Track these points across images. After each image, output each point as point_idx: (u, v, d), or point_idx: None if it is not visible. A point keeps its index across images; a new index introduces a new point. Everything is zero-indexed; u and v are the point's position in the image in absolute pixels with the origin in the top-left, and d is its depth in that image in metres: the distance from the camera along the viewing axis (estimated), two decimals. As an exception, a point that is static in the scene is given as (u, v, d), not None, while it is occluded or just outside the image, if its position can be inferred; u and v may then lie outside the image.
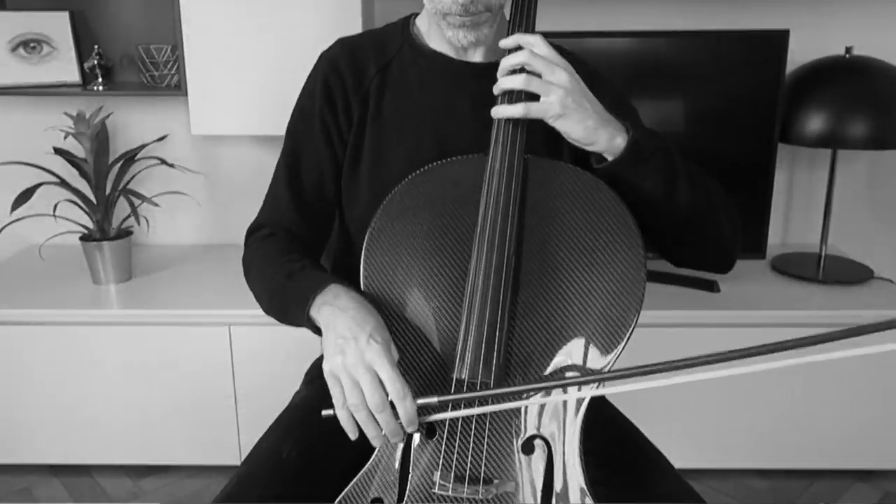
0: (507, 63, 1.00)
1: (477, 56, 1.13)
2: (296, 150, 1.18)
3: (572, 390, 0.89)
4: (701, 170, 1.09)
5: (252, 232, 1.19)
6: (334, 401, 0.89)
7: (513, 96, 1.01)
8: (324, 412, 0.90)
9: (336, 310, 0.93)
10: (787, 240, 2.39)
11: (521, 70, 1.00)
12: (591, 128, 0.98)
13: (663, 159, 1.02)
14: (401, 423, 0.87)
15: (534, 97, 0.99)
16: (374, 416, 0.87)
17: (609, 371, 0.90)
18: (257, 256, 1.13)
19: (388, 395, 0.86)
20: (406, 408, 0.86)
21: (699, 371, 0.80)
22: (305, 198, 1.16)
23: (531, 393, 0.88)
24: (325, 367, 0.89)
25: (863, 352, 0.68)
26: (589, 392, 0.90)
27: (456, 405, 0.90)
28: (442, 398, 0.87)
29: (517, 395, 0.88)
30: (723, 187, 1.12)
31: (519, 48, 1.01)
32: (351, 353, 0.87)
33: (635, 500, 1.00)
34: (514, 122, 1.01)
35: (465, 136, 1.10)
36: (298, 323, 1.00)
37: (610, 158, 1.00)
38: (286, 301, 1.02)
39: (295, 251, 1.10)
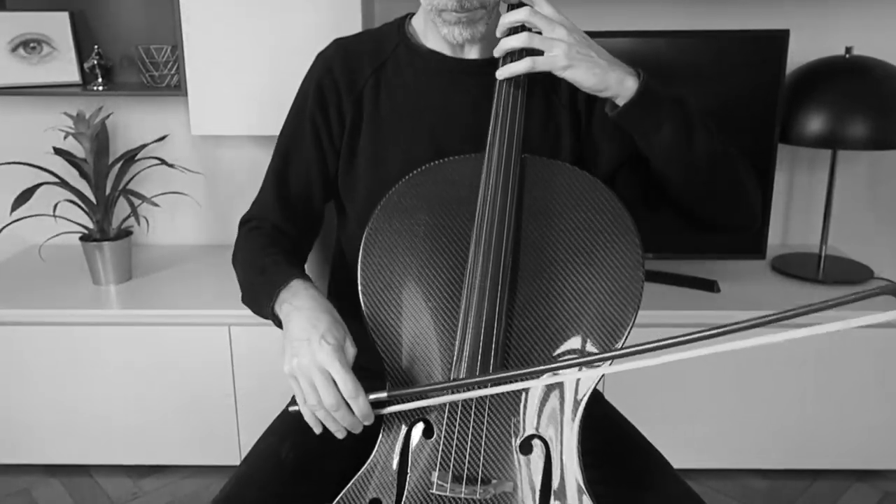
0: (506, 20, 1.01)
1: (473, 53, 1.13)
2: (285, 152, 1.18)
3: (543, 378, 0.89)
4: (715, 125, 1.08)
5: (243, 223, 1.21)
6: (297, 399, 0.93)
7: (515, 55, 1.02)
8: (290, 408, 0.95)
9: (293, 309, 0.96)
10: (787, 240, 2.39)
11: (522, 29, 1.01)
12: (600, 73, 0.99)
13: (678, 106, 1.02)
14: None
15: (537, 54, 1.00)
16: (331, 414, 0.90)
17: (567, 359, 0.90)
18: (241, 248, 1.16)
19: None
20: (359, 406, 0.89)
21: (691, 349, 0.80)
22: (291, 200, 1.17)
23: (493, 383, 0.88)
24: (284, 368, 0.92)
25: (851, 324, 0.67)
26: (546, 380, 0.90)
27: (410, 398, 0.91)
28: (391, 392, 0.91)
29: (481, 385, 0.89)
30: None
31: (521, 5, 1.02)
32: (304, 355, 0.90)
33: (634, 500, 1.00)
34: (513, 114, 1.01)
35: (462, 134, 1.10)
36: (267, 317, 1.02)
37: (622, 104, 1.00)
38: (257, 295, 1.05)
39: (277, 245, 1.12)
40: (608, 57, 1.01)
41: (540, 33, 1.00)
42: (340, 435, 0.93)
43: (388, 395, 0.91)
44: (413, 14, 1.19)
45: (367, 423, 0.91)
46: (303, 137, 1.16)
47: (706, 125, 1.04)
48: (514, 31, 1.02)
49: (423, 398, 0.91)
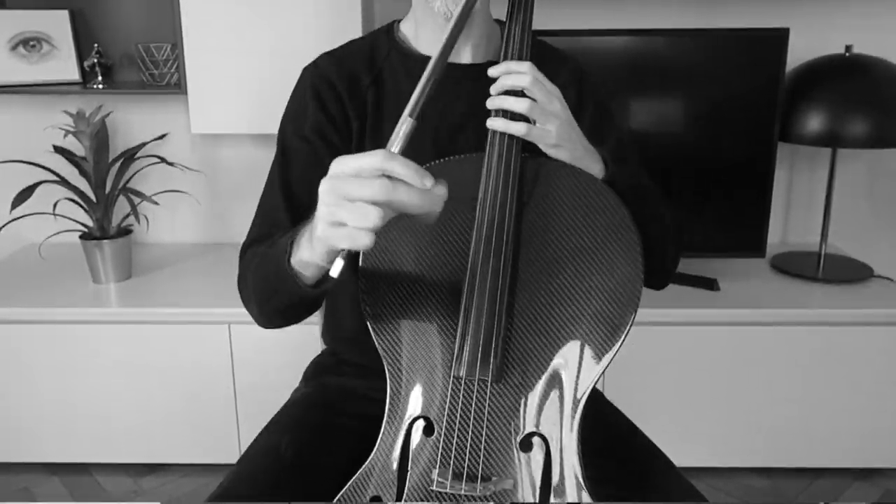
0: (508, 82, 0.99)
1: (466, 57, 1.13)
2: (289, 159, 1.13)
3: None
4: (659, 197, 1.13)
5: (245, 249, 1.11)
6: (343, 240, 0.74)
7: (510, 113, 1.01)
8: (333, 269, 0.77)
9: (305, 240, 0.85)
10: (786, 238, 2.39)
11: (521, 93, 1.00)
12: (579, 158, 1.01)
13: (635, 198, 1.04)
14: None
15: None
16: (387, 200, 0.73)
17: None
18: (251, 267, 1.04)
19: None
20: (396, 165, 0.74)
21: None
22: (300, 206, 1.10)
23: None
24: (319, 221, 0.77)
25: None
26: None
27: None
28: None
29: None
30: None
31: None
32: (325, 193, 0.76)
33: (637, 499, 1.00)
34: (512, 113, 1.01)
35: (460, 137, 1.09)
36: (292, 288, 0.89)
37: None
38: (278, 281, 0.91)
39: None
40: (584, 141, 1.03)
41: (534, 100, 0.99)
42: (438, 208, 0.76)
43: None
44: (399, 21, 1.18)
45: (430, 187, 0.74)
46: (306, 145, 1.12)
47: (655, 206, 1.10)
48: (510, 92, 1.00)
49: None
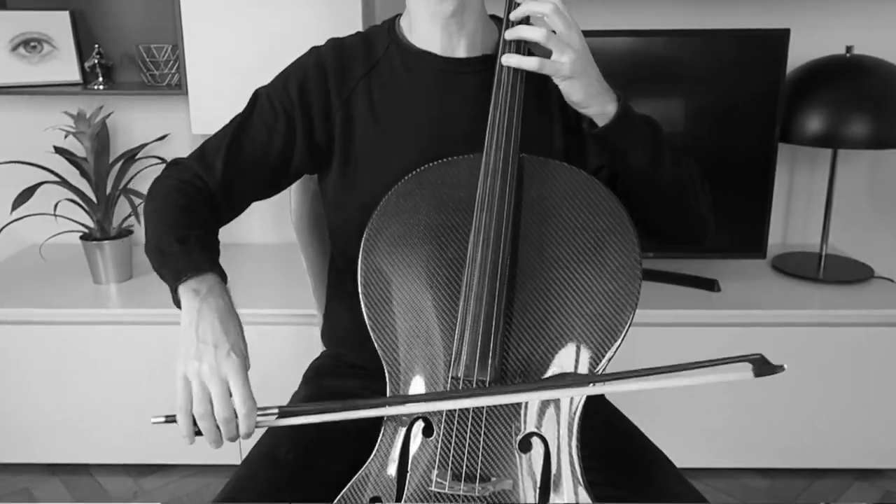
0: (531, 8, 1.01)
1: (461, 52, 1.13)
2: (251, 114, 1.13)
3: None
4: (683, 150, 1.13)
5: (175, 164, 1.13)
6: (179, 404, 0.90)
7: (521, 47, 1.03)
8: (154, 419, 0.92)
9: (203, 306, 0.93)
10: (787, 239, 2.39)
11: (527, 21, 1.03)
12: (592, 93, 1.02)
13: (650, 131, 1.07)
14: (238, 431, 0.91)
15: (531, 53, 1.02)
16: (216, 425, 0.90)
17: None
18: (166, 195, 1.07)
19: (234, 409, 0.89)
20: (249, 423, 0.89)
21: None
22: (236, 162, 1.10)
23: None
24: (179, 368, 0.89)
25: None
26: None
27: (301, 414, 0.93)
28: (283, 408, 0.92)
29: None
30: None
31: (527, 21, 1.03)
32: (208, 362, 0.88)
33: (637, 500, 1.00)
34: (511, 110, 1.01)
35: (458, 134, 1.09)
36: (165, 281, 0.99)
37: (601, 123, 1.04)
38: (164, 264, 0.99)
39: (203, 212, 1.06)
40: (599, 77, 1.04)
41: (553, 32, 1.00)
42: (215, 446, 0.92)
43: (279, 410, 0.91)
44: (401, 15, 1.19)
45: (245, 439, 0.92)
46: (273, 120, 1.11)
47: (673, 150, 1.09)
48: (525, 21, 1.03)
49: (315, 414, 0.92)
